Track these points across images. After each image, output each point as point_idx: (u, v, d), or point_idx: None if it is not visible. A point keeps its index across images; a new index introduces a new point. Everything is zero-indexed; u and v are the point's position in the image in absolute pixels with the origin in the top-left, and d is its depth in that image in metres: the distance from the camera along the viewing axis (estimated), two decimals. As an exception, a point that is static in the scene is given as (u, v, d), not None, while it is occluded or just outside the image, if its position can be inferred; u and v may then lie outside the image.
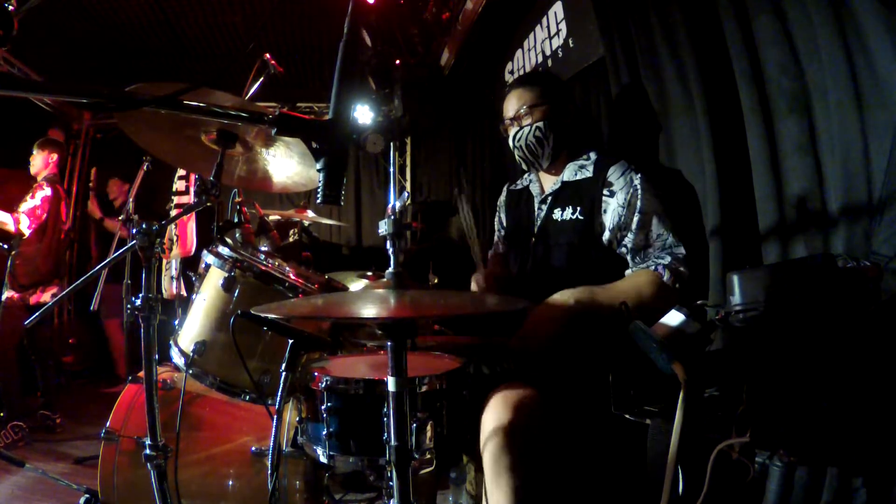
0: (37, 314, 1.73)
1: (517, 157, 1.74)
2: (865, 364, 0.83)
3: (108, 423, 1.72)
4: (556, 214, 1.65)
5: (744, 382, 0.91)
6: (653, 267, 1.46)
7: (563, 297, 1.45)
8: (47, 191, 3.42)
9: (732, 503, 1.03)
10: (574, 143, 1.72)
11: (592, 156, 1.66)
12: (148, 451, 1.33)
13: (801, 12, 1.25)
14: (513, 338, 1.44)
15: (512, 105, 1.71)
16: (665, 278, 1.44)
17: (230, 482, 1.68)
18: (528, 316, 1.45)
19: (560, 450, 1.29)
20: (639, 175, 1.53)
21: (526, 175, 1.86)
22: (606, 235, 1.54)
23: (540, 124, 1.66)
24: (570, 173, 1.67)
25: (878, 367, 0.83)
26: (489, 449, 1.19)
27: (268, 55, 2.18)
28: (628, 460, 1.32)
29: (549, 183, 1.74)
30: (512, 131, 1.71)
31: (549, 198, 1.70)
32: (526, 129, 1.67)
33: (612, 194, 1.54)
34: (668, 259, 1.46)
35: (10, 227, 3.21)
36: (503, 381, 1.34)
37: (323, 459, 1.18)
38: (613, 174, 1.56)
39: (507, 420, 1.18)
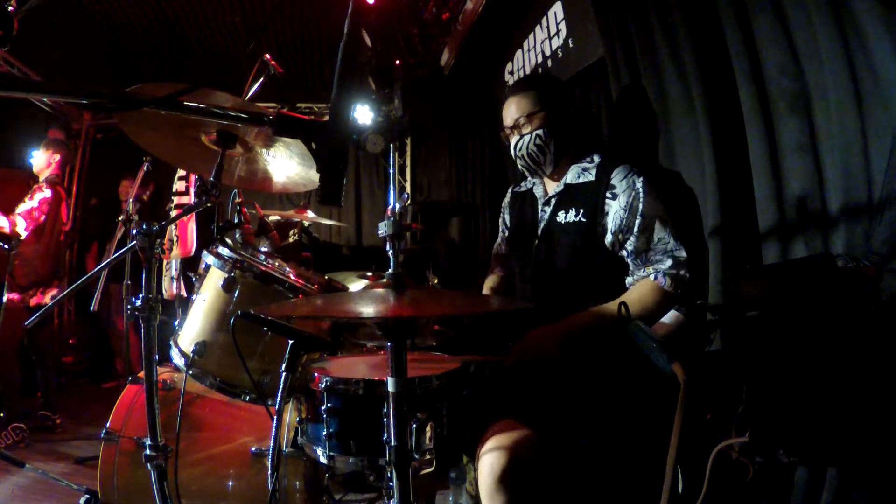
0: (37, 315, 1.73)
1: (520, 166, 1.73)
2: (865, 364, 0.83)
3: (108, 424, 1.72)
4: (560, 217, 1.64)
5: (744, 382, 0.91)
6: (652, 276, 1.47)
7: (565, 320, 1.48)
8: (47, 192, 3.41)
9: (732, 503, 1.03)
10: (576, 146, 1.71)
11: (596, 158, 1.65)
12: (148, 452, 1.33)
13: (801, 12, 1.25)
14: (509, 355, 1.45)
15: (510, 113, 1.70)
16: (665, 286, 1.44)
17: (230, 482, 1.68)
18: (527, 334, 1.46)
19: (556, 484, 1.31)
20: (641, 178, 1.53)
21: (529, 178, 1.86)
22: (608, 238, 1.54)
23: (539, 132, 1.64)
24: (573, 175, 1.67)
25: (878, 367, 0.83)
26: (485, 488, 1.22)
27: (268, 55, 2.18)
28: (628, 482, 1.32)
29: (553, 185, 1.73)
30: (512, 140, 1.70)
31: (553, 200, 1.70)
32: (526, 138, 1.65)
33: (614, 197, 1.54)
34: (668, 263, 1.46)
35: (6, 230, 3.21)
36: (500, 406, 1.35)
37: (323, 460, 1.18)
38: (616, 177, 1.56)
39: (501, 463, 1.20)
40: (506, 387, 1.41)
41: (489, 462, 1.22)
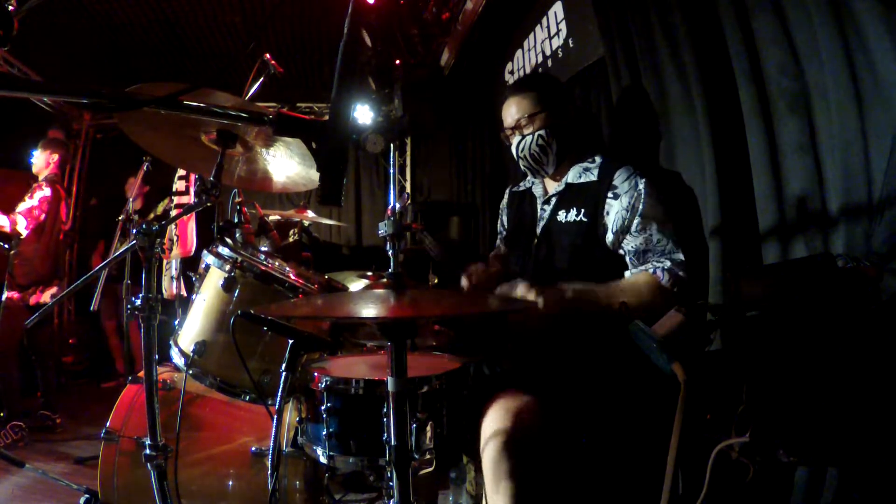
0: (37, 314, 1.74)
1: (522, 167, 1.73)
2: (865, 364, 0.83)
3: (108, 424, 1.72)
4: (560, 216, 1.64)
5: (744, 382, 0.91)
6: (651, 270, 1.47)
7: (563, 287, 1.47)
8: (46, 191, 3.42)
9: (732, 503, 1.03)
10: (578, 146, 1.71)
11: (598, 159, 1.65)
12: (148, 451, 1.34)
13: (801, 12, 1.25)
14: (511, 317, 1.44)
15: (510, 114, 1.70)
16: (663, 281, 1.44)
17: (230, 482, 1.68)
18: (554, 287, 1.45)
19: (559, 455, 1.30)
20: (643, 179, 1.53)
21: (528, 177, 1.86)
22: (610, 238, 1.54)
23: (542, 132, 1.64)
24: (574, 175, 1.67)
25: (879, 366, 0.83)
26: (488, 456, 1.20)
27: (268, 55, 2.18)
28: (628, 464, 1.32)
29: (553, 185, 1.73)
30: (514, 140, 1.70)
31: (553, 199, 1.70)
32: (528, 139, 1.66)
33: (615, 197, 1.54)
34: (666, 264, 1.46)
35: (7, 229, 3.21)
36: (502, 385, 1.34)
37: (323, 460, 1.18)
38: (619, 178, 1.56)
39: (505, 427, 1.19)
40: (506, 382, 1.41)
41: (493, 427, 1.21)
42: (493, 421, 1.22)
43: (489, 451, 1.20)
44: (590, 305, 1.44)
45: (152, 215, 3.80)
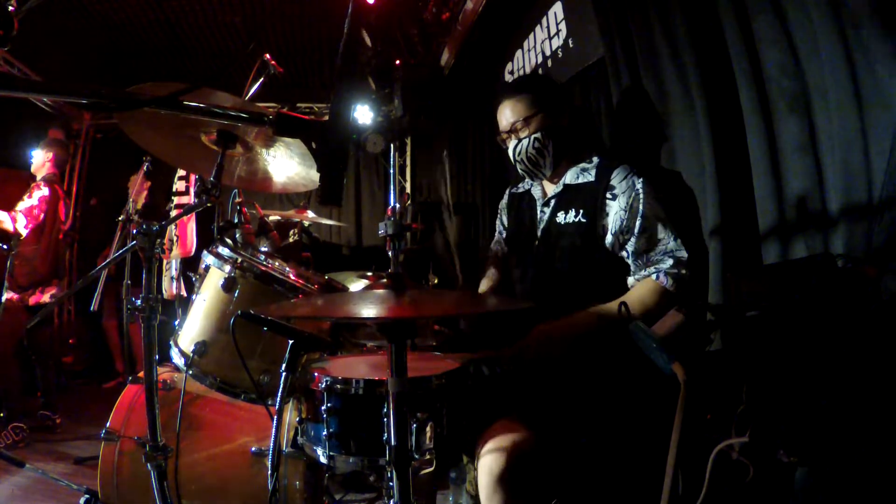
0: (37, 315, 1.74)
1: (519, 170, 1.73)
2: (865, 364, 0.83)
3: (108, 424, 1.72)
4: (560, 217, 1.64)
5: (744, 382, 0.91)
6: (654, 276, 1.47)
7: (567, 320, 1.48)
8: (45, 191, 3.42)
9: (732, 503, 1.03)
10: (575, 146, 1.70)
11: (595, 159, 1.65)
12: (148, 451, 1.34)
13: (801, 12, 1.25)
14: (511, 348, 1.45)
15: (505, 117, 1.68)
16: (667, 285, 1.45)
17: (230, 482, 1.68)
18: (532, 332, 1.46)
19: (557, 464, 1.31)
20: (641, 179, 1.53)
21: (526, 179, 1.86)
22: (609, 239, 1.54)
23: (538, 135, 1.63)
24: (572, 176, 1.66)
25: (878, 366, 0.83)
26: (484, 489, 1.22)
27: (268, 55, 2.18)
28: (628, 465, 1.32)
29: (551, 187, 1.73)
30: (511, 144, 1.69)
31: (552, 200, 1.69)
32: (525, 142, 1.65)
33: (614, 197, 1.54)
34: (669, 263, 1.46)
35: (7, 226, 3.21)
36: (501, 397, 1.35)
37: (323, 460, 1.18)
38: (616, 177, 1.56)
39: (500, 465, 1.21)
40: (506, 386, 1.41)
41: (488, 462, 1.22)
42: (489, 455, 1.24)
43: (484, 484, 1.22)
44: (596, 328, 1.46)
45: (131, 202, 3.73)
